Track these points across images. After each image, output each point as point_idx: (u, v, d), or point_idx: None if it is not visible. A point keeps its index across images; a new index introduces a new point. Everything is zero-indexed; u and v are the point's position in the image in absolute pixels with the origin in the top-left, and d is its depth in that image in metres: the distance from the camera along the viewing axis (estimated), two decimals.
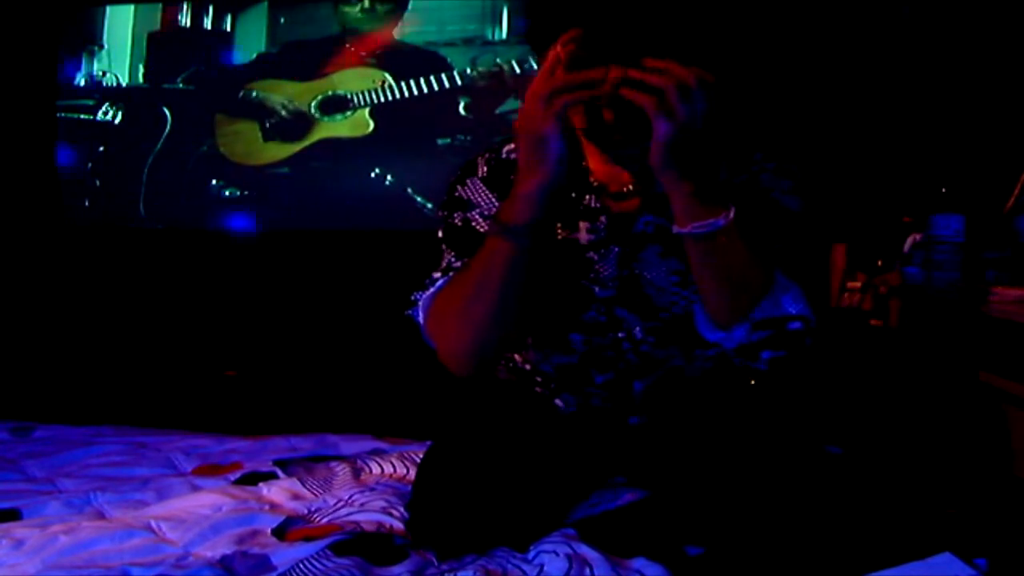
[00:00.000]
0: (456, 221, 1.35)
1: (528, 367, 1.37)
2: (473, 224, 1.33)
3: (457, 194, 1.37)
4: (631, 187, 1.29)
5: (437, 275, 1.32)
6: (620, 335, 1.28)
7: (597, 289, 1.28)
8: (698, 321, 1.21)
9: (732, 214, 1.11)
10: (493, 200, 1.34)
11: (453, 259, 1.32)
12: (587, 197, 1.30)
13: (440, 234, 1.36)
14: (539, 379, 1.36)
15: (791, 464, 1.16)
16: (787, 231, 1.26)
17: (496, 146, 1.40)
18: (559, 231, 1.30)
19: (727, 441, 1.21)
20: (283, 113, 3.26)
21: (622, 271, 1.28)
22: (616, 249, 1.28)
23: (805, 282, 1.21)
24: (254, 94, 3.28)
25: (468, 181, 1.37)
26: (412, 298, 1.34)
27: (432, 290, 1.30)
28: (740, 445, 1.20)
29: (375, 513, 1.29)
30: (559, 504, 1.23)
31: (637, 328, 1.28)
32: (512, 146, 1.36)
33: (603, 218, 1.29)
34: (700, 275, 1.16)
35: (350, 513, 1.30)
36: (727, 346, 1.20)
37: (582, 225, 1.29)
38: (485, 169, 1.37)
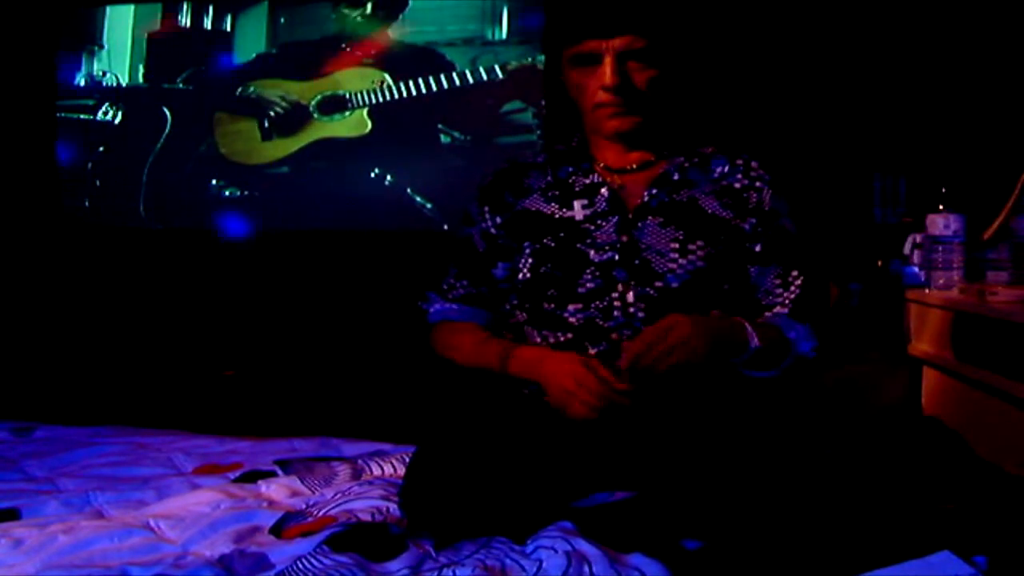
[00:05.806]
0: (460, 235, 1.43)
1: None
2: (474, 241, 1.41)
3: (470, 208, 1.44)
4: (636, 165, 1.36)
5: (445, 287, 1.42)
6: (614, 295, 1.29)
7: (592, 253, 1.31)
8: None
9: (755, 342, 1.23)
10: (484, 212, 1.41)
11: (453, 279, 1.41)
12: (588, 177, 1.37)
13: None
14: None
15: (790, 461, 1.16)
16: (794, 255, 1.35)
17: (517, 156, 1.47)
18: (556, 212, 1.35)
19: (724, 435, 1.21)
20: (281, 112, 3.26)
21: (621, 236, 1.32)
22: (615, 219, 1.33)
23: (813, 304, 1.33)
24: (253, 92, 3.28)
25: (478, 191, 1.45)
26: (426, 294, 1.44)
27: (438, 310, 1.43)
28: (737, 440, 1.19)
29: (372, 500, 1.29)
30: (554, 488, 1.22)
31: (630, 293, 1.29)
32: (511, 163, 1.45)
33: (604, 191, 1.35)
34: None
35: (347, 501, 1.29)
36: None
37: (577, 204, 1.34)
38: (490, 178, 1.43)
